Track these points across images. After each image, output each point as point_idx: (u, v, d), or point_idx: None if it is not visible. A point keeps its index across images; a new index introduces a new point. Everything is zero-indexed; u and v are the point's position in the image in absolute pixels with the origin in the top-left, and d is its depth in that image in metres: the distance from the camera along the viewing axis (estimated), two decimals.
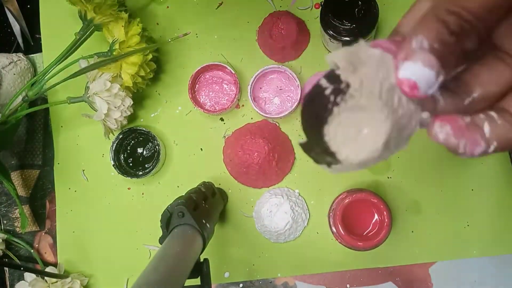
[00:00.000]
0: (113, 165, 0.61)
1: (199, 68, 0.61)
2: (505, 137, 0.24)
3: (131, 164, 0.62)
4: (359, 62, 0.23)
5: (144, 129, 0.61)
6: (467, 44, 0.22)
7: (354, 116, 0.23)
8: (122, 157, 0.62)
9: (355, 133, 0.23)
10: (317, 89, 0.24)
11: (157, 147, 0.61)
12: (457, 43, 0.21)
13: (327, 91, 0.24)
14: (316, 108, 0.24)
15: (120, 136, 0.61)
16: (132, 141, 0.63)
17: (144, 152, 0.63)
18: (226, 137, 0.63)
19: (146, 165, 0.62)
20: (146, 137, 0.62)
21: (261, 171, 0.60)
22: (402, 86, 0.21)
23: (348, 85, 0.23)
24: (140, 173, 0.61)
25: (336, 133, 0.24)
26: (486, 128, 0.23)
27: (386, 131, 0.22)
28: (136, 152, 0.63)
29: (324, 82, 0.24)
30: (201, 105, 0.63)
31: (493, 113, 0.24)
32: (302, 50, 0.63)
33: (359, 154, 0.23)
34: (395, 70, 0.22)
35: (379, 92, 0.22)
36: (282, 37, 0.61)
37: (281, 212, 0.59)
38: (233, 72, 0.61)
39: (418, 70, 0.21)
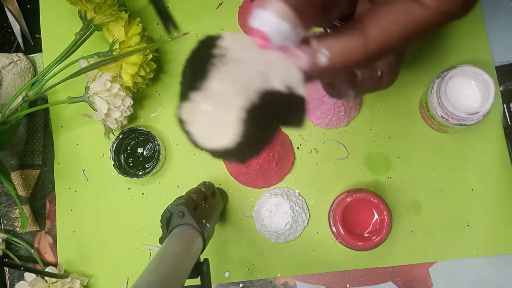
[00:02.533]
0: (113, 165, 0.61)
1: None
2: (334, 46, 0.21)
3: (131, 164, 0.62)
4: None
5: (144, 129, 0.61)
6: None
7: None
8: (122, 157, 0.62)
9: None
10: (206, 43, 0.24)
11: (157, 147, 0.61)
12: None
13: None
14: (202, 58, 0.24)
15: (120, 136, 0.61)
16: (132, 141, 0.63)
17: (144, 152, 0.63)
18: None
19: (146, 165, 0.62)
20: (146, 137, 0.62)
21: (261, 171, 0.60)
22: (254, 37, 0.19)
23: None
24: (140, 173, 0.61)
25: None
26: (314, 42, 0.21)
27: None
28: (136, 152, 0.63)
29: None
30: None
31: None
32: None
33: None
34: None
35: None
36: None
37: (281, 212, 0.59)
38: None
39: (270, 20, 0.19)
